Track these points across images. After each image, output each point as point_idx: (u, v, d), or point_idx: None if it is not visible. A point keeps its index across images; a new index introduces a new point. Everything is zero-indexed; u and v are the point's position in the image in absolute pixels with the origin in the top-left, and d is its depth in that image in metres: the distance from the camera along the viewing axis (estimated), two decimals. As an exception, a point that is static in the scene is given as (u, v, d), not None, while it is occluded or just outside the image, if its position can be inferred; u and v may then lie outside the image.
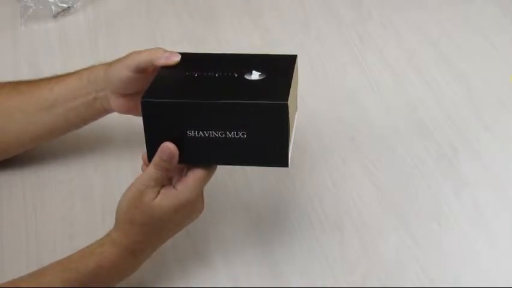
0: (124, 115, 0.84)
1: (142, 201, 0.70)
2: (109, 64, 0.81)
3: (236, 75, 0.72)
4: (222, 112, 0.69)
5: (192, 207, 0.73)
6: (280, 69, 0.73)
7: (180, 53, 0.75)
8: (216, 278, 0.79)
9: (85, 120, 0.86)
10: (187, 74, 0.73)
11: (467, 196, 0.87)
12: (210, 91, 0.71)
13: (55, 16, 1.12)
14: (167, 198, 0.71)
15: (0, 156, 0.88)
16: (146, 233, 0.72)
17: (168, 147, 0.69)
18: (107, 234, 0.73)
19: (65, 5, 1.12)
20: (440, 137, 0.94)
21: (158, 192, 0.71)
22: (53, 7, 1.11)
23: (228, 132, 0.69)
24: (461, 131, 0.94)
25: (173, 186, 0.71)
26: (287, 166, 0.71)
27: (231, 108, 0.69)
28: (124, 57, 0.79)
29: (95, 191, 0.89)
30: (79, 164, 0.91)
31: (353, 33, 1.07)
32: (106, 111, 0.84)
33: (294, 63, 0.75)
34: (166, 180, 0.72)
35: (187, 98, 0.70)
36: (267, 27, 1.09)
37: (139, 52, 0.77)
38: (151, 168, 0.70)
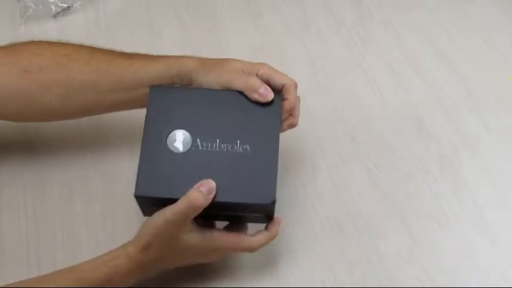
0: (124, 115, 0.84)
1: (171, 227, 0.70)
2: (204, 65, 0.78)
3: (230, 150, 0.73)
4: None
5: (212, 253, 0.74)
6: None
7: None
8: (215, 278, 0.79)
9: None
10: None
11: (467, 196, 0.87)
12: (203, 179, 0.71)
13: (55, 16, 1.12)
14: (200, 238, 0.72)
15: (56, 119, 0.87)
16: (164, 255, 0.72)
17: (210, 182, 0.70)
18: (124, 247, 0.72)
19: (65, 5, 1.12)
20: (440, 137, 0.94)
21: (194, 228, 0.72)
22: (53, 7, 1.11)
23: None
24: (461, 131, 0.94)
25: (212, 229, 0.73)
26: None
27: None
28: (222, 73, 0.77)
29: (95, 191, 0.89)
30: (79, 164, 0.91)
31: (353, 33, 1.07)
32: None
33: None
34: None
35: (175, 193, 0.70)
36: (267, 27, 1.09)
37: (237, 76, 0.76)
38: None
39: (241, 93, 0.75)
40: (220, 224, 0.76)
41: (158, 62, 0.79)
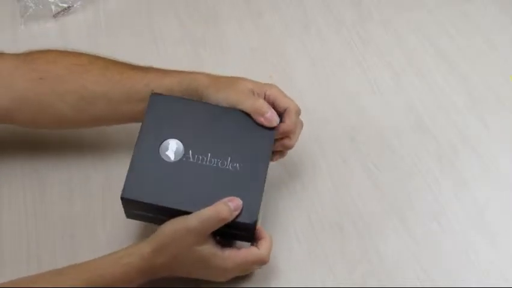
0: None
1: (189, 236, 0.70)
2: (216, 83, 0.79)
3: (220, 166, 0.73)
4: None
5: (221, 272, 0.74)
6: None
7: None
8: (216, 278, 0.79)
9: None
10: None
11: (467, 196, 0.87)
12: (190, 191, 0.72)
13: (55, 16, 1.12)
14: (212, 252, 0.72)
15: (68, 127, 0.88)
16: (173, 263, 0.72)
17: (238, 200, 0.71)
18: (137, 246, 0.72)
19: (65, 5, 1.12)
20: (440, 136, 0.94)
21: (210, 241, 0.72)
22: (53, 7, 1.11)
23: None
24: (461, 131, 0.94)
25: (225, 248, 0.73)
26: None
27: None
28: (232, 93, 0.77)
29: (95, 190, 0.89)
30: (79, 164, 0.91)
31: (353, 33, 1.07)
32: None
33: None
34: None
35: (160, 200, 0.71)
36: (267, 27, 1.09)
37: (245, 97, 0.76)
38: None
39: (241, 112, 0.76)
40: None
41: (170, 76, 0.81)
